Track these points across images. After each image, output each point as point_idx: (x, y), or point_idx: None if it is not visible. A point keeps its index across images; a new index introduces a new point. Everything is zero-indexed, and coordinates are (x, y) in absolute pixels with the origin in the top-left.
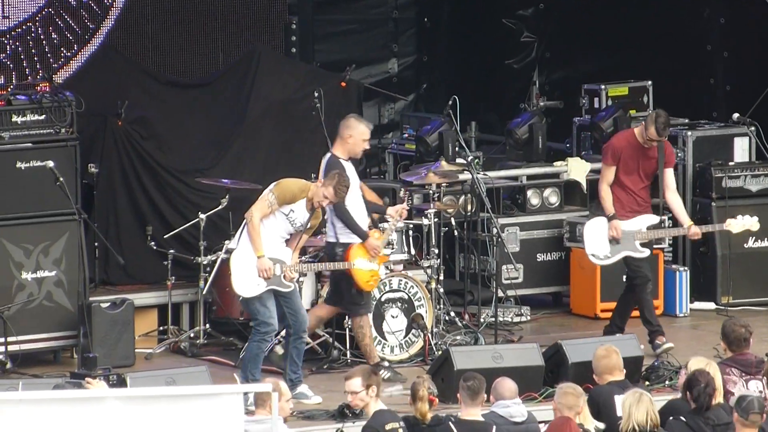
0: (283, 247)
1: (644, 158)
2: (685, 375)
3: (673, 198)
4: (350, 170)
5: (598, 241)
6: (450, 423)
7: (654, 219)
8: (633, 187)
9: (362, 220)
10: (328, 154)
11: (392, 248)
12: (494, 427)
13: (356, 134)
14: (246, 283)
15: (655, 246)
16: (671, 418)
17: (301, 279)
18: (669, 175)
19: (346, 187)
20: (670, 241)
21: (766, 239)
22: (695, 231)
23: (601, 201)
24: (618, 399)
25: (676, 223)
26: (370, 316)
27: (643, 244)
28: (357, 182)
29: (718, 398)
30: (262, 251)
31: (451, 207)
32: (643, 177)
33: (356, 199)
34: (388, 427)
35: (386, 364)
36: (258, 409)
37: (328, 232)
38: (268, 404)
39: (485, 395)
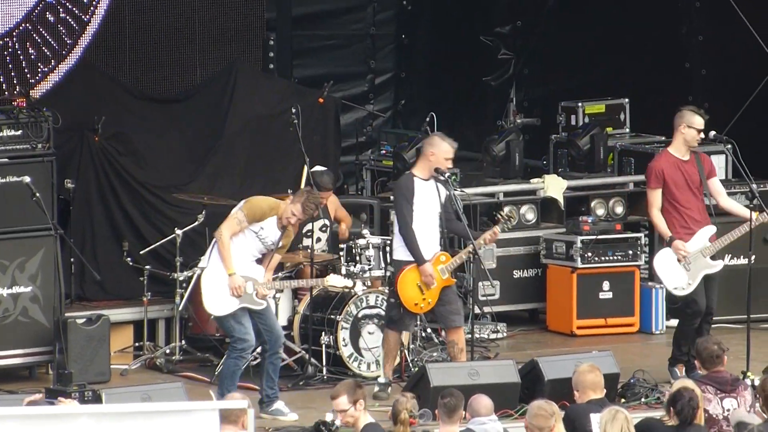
0: (255, 264)
1: (688, 172)
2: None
3: (727, 203)
4: (430, 190)
5: (673, 272)
6: None
7: (712, 229)
8: (688, 204)
9: (432, 242)
10: (406, 173)
11: (370, 264)
12: None
13: (438, 152)
14: (218, 301)
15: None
16: None
17: (277, 296)
18: (715, 184)
19: (314, 204)
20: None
21: (742, 257)
22: (761, 218)
23: (655, 228)
24: (594, 417)
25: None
26: (405, 335)
27: (713, 257)
28: (437, 203)
29: (700, 420)
30: (233, 269)
31: None
32: (695, 191)
33: (431, 220)
34: None
35: (383, 380)
36: (224, 425)
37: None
38: (240, 420)
39: (463, 412)
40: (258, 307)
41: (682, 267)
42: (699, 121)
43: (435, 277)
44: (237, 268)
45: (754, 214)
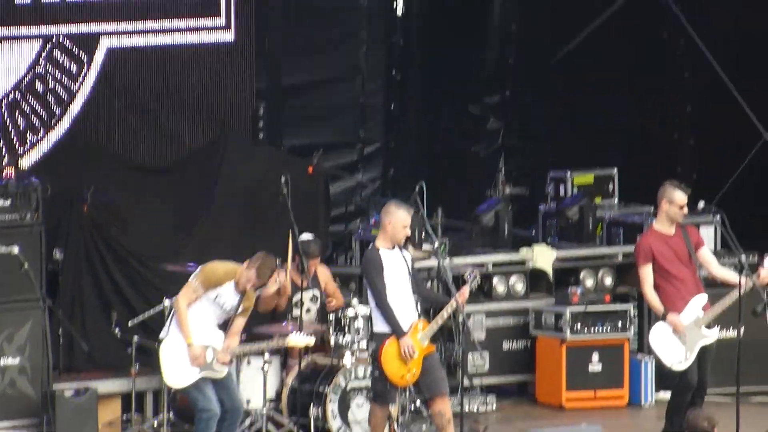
0: (215, 331)
1: (675, 246)
2: None
3: (719, 272)
4: (397, 259)
5: (670, 347)
6: None
7: (704, 298)
8: (681, 276)
9: (409, 310)
10: (370, 247)
11: (359, 335)
12: None
13: (394, 220)
14: (178, 373)
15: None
16: None
17: (265, 368)
18: (705, 255)
19: (270, 269)
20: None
21: (731, 329)
22: (750, 283)
23: (649, 305)
24: None
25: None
26: (392, 407)
27: (708, 326)
28: (405, 271)
29: None
30: (191, 339)
31: None
32: (685, 262)
33: (403, 289)
34: None
35: None
36: None
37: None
38: None
39: None
40: (219, 375)
41: (678, 340)
42: (680, 197)
43: (415, 348)
44: (196, 336)
45: (743, 280)
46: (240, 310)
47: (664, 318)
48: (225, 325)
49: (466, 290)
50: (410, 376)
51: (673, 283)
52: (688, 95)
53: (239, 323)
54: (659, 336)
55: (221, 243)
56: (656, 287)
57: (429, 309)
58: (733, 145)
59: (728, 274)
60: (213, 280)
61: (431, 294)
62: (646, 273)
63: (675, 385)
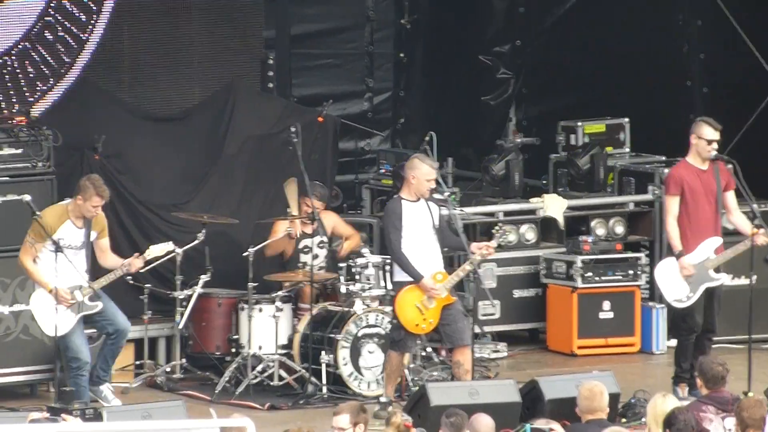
0: (78, 270)
1: (706, 181)
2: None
3: (736, 219)
4: (420, 211)
5: (674, 284)
6: None
7: (718, 241)
8: (701, 216)
9: (429, 261)
10: (395, 196)
11: (369, 282)
12: None
13: (419, 174)
14: (57, 322)
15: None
16: None
17: (277, 314)
18: (729, 199)
19: (102, 185)
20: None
21: (743, 277)
22: (762, 239)
23: (668, 237)
24: None
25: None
26: (407, 356)
27: (716, 270)
28: (429, 223)
29: None
30: (50, 286)
31: None
32: (711, 200)
33: (425, 240)
34: None
35: (384, 399)
36: None
37: None
38: None
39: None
40: (94, 311)
41: (683, 278)
42: (708, 132)
43: (437, 290)
44: (59, 281)
45: (756, 236)
46: (95, 236)
47: (677, 256)
48: (93, 256)
49: (493, 245)
50: (426, 325)
51: (694, 221)
52: (701, 43)
53: (102, 244)
54: (665, 271)
55: (231, 192)
56: (678, 221)
57: (451, 257)
58: (747, 93)
59: (742, 224)
60: (44, 230)
61: (457, 241)
62: (672, 203)
63: (678, 326)
